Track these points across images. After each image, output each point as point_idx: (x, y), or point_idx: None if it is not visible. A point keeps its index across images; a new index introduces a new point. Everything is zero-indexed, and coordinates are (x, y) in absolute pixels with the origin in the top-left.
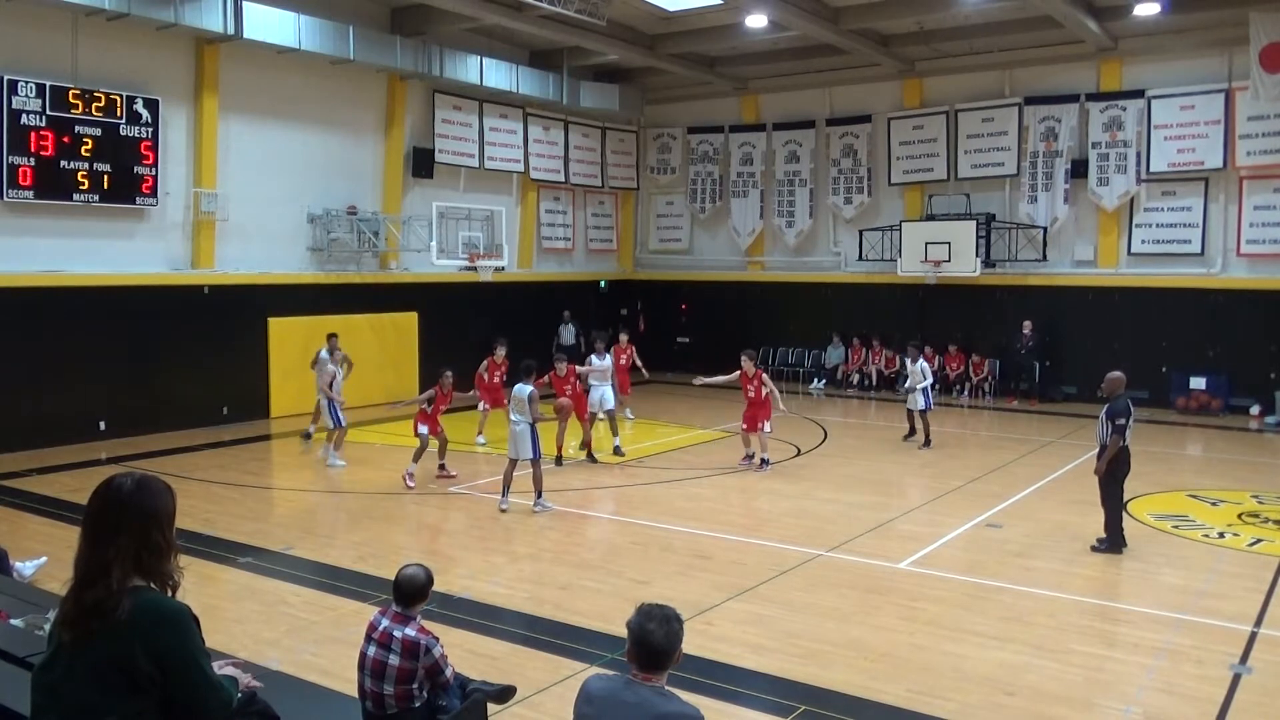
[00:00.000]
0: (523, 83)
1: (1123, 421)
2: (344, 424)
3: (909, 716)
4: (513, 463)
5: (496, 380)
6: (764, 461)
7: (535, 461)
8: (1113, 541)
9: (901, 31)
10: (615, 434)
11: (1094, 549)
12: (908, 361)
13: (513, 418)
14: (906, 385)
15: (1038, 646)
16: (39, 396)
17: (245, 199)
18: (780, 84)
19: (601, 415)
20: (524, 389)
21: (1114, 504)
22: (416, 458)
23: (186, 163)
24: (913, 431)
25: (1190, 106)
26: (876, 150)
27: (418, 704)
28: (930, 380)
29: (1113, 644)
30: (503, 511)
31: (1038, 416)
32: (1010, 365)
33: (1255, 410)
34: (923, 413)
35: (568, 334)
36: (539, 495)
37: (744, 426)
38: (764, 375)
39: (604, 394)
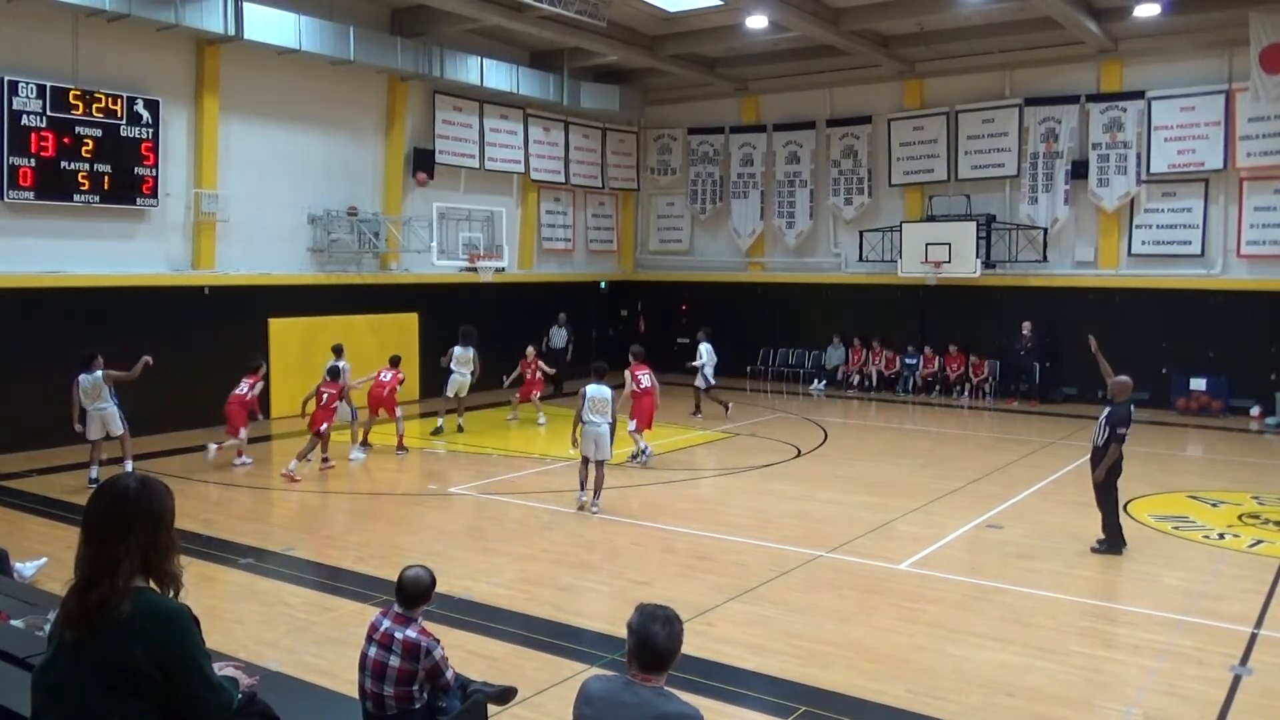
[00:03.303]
0: (523, 83)
1: (1124, 430)
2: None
3: (909, 717)
4: (587, 462)
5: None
6: (643, 451)
7: (604, 462)
8: (1112, 542)
9: (902, 32)
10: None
11: (1094, 550)
12: (701, 345)
13: (594, 418)
14: (690, 364)
15: (1038, 648)
16: (39, 397)
17: (246, 200)
18: (780, 85)
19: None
20: (604, 389)
21: (1110, 505)
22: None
23: (187, 163)
24: (698, 409)
25: (1190, 108)
26: (877, 151)
27: (418, 705)
28: (705, 360)
29: (1113, 645)
30: (581, 507)
31: (1038, 417)
32: (1010, 366)
33: (1255, 411)
34: (705, 390)
35: (559, 337)
36: (598, 495)
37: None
38: (634, 374)
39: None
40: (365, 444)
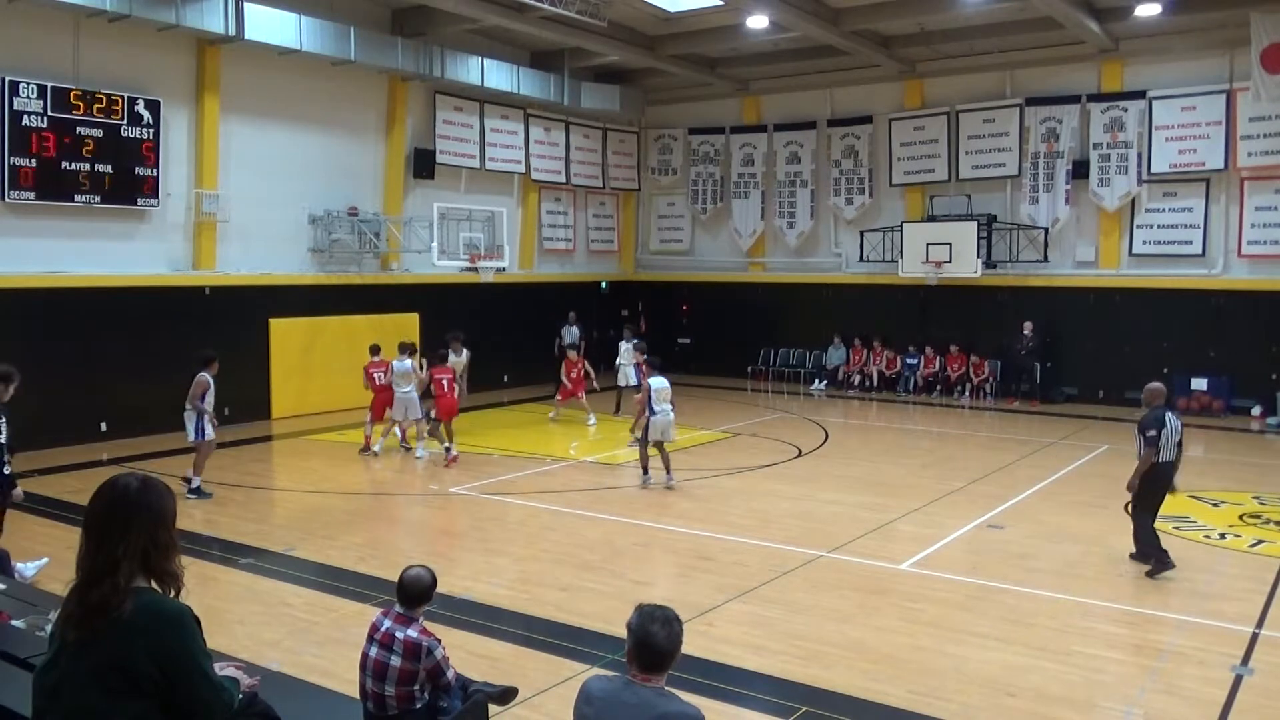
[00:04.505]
0: (524, 84)
1: (1153, 433)
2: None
3: (910, 718)
4: (646, 444)
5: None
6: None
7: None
8: (1143, 553)
9: (902, 32)
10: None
11: (1132, 556)
12: (621, 343)
13: (664, 407)
14: (620, 364)
15: (1039, 648)
16: (40, 397)
17: (246, 200)
18: (781, 85)
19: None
20: (665, 381)
21: (1140, 515)
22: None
23: (188, 164)
24: (619, 408)
25: (1192, 107)
26: (877, 151)
27: (419, 705)
28: (627, 360)
29: (1114, 645)
30: (670, 488)
31: (1039, 417)
32: (1011, 366)
33: (1256, 411)
34: (635, 388)
35: (571, 334)
36: (670, 471)
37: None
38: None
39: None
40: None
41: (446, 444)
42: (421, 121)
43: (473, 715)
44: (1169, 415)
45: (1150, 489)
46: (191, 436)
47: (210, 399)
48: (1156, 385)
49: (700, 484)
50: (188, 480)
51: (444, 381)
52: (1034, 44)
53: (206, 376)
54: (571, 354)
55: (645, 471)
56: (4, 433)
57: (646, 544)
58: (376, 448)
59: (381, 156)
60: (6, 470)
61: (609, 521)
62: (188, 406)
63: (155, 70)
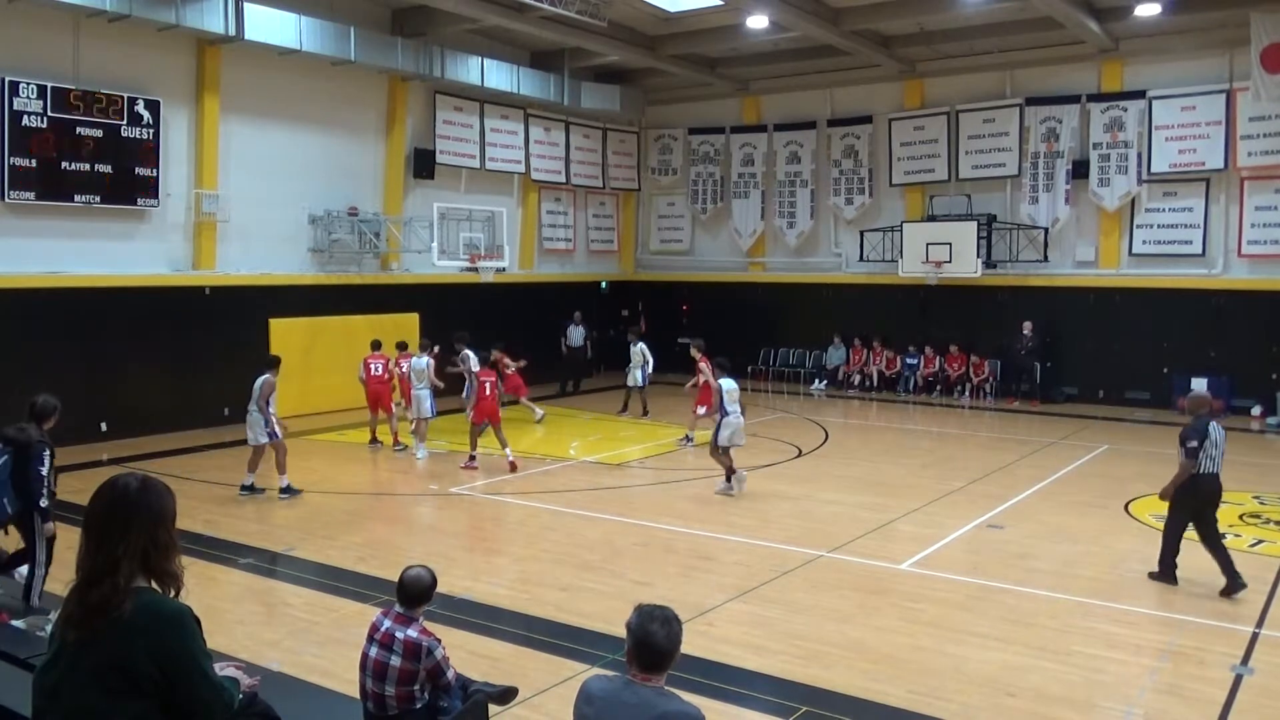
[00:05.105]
0: (524, 84)
1: (1194, 444)
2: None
3: (910, 718)
4: (725, 451)
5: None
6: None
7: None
8: (1164, 567)
9: (902, 32)
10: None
11: (1151, 576)
12: (630, 345)
13: (736, 409)
14: (630, 365)
15: (1039, 648)
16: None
17: (246, 200)
18: (781, 85)
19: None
20: (734, 382)
21: (1169, 529)
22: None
23: (188, 164)
24: (625, 408)
25: (1191, 107)
26: (877, 151)
27: (419, 705)
28: (646, 360)
29: (1114, 645)
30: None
31: (1039, 417)
32: (1011, 366)
33: (1256, 411)
34: (640, 389)
35: (576, 335)
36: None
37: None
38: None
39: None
40: (376, 441)
41: (501, 451)
42: (421, 121)
43: (473, 715)
44: (1212, 425)
45: (1184, 498)
46: (264, 438)
47: (275, 400)
48: (1200, 394)
49: (700, 484)
50: (248, 488)
51: (487, 384)
52: (1034, 44)
53: (273, 379)
54: (494, 353)
55: (733, 472)
56: (46, 464)
57: (646, 544)
58: (397, 449)
59: (381, 156)
60: (43, 503)
61: (609, 521)
62: (253, 409)
63: (155, 70)
